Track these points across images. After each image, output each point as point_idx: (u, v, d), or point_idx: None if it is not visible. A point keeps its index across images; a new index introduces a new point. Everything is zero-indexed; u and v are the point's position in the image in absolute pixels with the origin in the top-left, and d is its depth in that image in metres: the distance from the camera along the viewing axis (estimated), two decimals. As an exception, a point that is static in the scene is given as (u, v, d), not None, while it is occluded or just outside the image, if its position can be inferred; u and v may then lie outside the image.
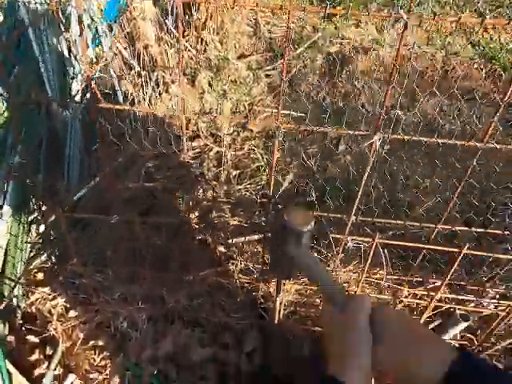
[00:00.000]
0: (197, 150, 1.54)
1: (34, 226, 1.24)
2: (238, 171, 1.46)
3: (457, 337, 0.92)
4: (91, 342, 1.05)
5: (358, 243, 0.75)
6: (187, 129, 1.62)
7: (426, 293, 0.81)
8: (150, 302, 1.02)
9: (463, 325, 0.85)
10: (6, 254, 1.06)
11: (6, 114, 1.10)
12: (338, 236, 0.75)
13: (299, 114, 1.81)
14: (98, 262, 1.04)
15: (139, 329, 1.04)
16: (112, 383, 0.99)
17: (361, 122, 1.84)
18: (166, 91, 1.59)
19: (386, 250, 0.77)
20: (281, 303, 0.95)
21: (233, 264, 1.00)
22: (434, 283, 0.83)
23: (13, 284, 1.02)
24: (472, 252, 0.64)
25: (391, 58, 2.23)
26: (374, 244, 0.70)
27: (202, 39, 1.84)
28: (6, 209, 1.04)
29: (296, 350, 1.03)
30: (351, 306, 0.51)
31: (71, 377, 1.01)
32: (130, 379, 1.00)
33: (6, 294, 1.02)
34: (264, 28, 2.35)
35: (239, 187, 1.41)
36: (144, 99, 1.44)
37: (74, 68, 1.09)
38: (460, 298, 0.83)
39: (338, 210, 0.87)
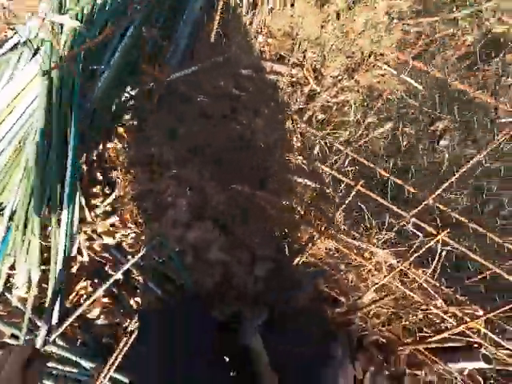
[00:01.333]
0: (293, 79, 1.46)
1: (128, 87, 1.36)
2: (324, 116, 1.37)
3: (464, 372, 0.85)
4: (138, 201, 1.19)
5: (419, 229, 0.68)
6: (293, 54, 1.52)
7: (459, 314, 0.73)
8: (195, 192, 1.10)
9: (481, 365, 0.77)
10: (102, 97, 1.18)
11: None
12: (400, 212, 0.68)
13: (417, 86, 1.56)
14: (169, 135, 1.12)
15: (177, 210, 1.14)
16: (141, 238, 1.15)
17: (481, 126, 1.54)
18: (292, 4, 1.47)
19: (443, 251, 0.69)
20: (307, 250, 0.94)
21: (280, 196, 1.00)
22: (475, 311, 0.74)
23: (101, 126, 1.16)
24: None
25: None
26: (438, 239, 0.63)
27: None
28: (116, 58, 1.13)
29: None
30: None
31: (114, 217, 1.18)
32: (156, 244, 1.14)
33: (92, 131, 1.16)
34: (428, -26, 1.94)
35: (311, 129, 1.32)
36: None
37: None
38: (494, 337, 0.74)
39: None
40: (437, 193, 0.58)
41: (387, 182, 0.98)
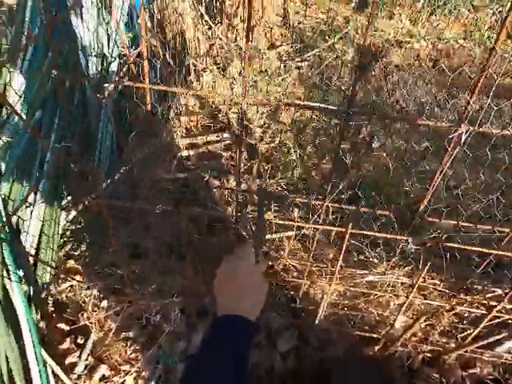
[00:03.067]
0: (227, 142, 1.50)
1: (63, 213, 1.23)
2: (270, 165, 1.42)
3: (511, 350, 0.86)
4: (123, 334, 1.03)
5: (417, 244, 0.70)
6: (217, 119, 1.57)
7: (485, 302, 0.76)
8: (184, 295, 0.99)
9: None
10: (39, 239, 1.04)
11: (41, 94, 1.07)
12: (396, 237, 0.69)
13: (331, 107, 1.74)
14: (132, 253, 1.02)
15: (172, 322, 1.01)
16: (144, 375, 0.97)
17: (395, 118, 1.76)
18: (198, 80, 1.55)
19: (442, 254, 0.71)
20: (324, 304, 0.90)
21: (273, 261, 0.96)
22: (494, 292, 0.77)
23: (47, 269, 1.00)
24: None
25: (427, 51, 2.14)
26: (439, 247, 0.65)
27: (233, 27, 1.78)
28: (40, 194, 1.02)
29: (333, 351, 0.99)
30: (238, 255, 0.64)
31: (103, 367, 0.99)
32: (162, 372, 0.97)
33: (39, 279, 1.00)
34: (293, 18, 2.27)
35: (271, 181, 1.36)
36: (176, 87, 1.40)
37: (111, 51, 1.05)
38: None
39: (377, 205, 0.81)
40: (422, 206, 0.60)
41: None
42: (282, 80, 1.77)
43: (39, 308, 1.01)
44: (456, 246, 0.66)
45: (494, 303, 0.76)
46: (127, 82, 0.58)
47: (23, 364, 0.88)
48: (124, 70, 1.05)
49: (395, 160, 1.50)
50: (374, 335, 0.92)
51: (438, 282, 0.78)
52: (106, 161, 1.26)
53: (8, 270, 0.89)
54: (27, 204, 0.95)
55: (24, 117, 0.99)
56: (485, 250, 0.67)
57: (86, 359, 1.00)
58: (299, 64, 1.97)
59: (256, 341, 1.03)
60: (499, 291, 0.76)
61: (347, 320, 0.95)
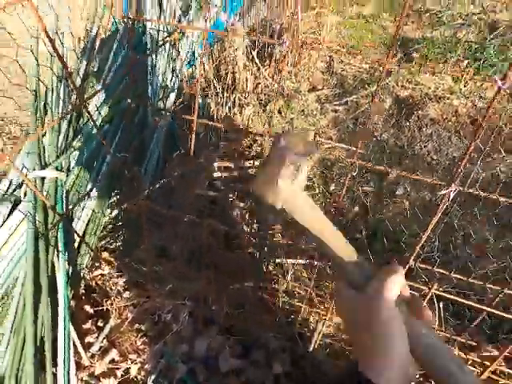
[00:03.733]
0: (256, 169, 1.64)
1: (108, 210, 1.43)
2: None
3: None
4: (136, 325, 1.15)
5: (412, 288, 0.75)
6: (252, 148, 1.74)
7: (478, 360, 0.76)
8: (195, 301, 1.10)
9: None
10: (86, 226, 1.22)
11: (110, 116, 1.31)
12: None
13: (359, 151, 1.84)
14: (158, 255, 1.16)
15: (180, 323, 1.11)
16: (147, 367, 1.07)
17: (424, 170, 1.80)
18: (240, 112, 1.75)
19: (441, 304, 0.75)
20: (318, 333, 0.96)
21: (278, 283, 1.04)
22: (490, 352, 0.77)
23: (87, 255, 1.17)
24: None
25: (465, 108, 2.17)
26: (430, 294, 0.70)
27: (279, 70, 2.00)
28: (95, 189, 1.22)
29: (323, 381, 1.01)
30: (374, 285, 0.39)
31: (114, 352, 1.11)
32: (163, 368, 1.06)
33: (78, 262, 1.17)
34: (337, 65, 2.46)
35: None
36: (221, 117, 1.60)
37: (173, 84, 1.27)
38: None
39: (393, 253, 0.87)
40: (414, 254, 0.67)
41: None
42: (317, 120, 1.91)
43: (73, 288, 1.18)
44: (447, 296, 0.71)
45: (487, 363, 0.78)
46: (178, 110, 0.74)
47: (53, 334, 1.03)
48: (180, 100, 1.26)
49: (417, 209, 1.53)
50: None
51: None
52: (151, 172, 1.46)
53: (58, 250, 1.07)
54: (85, 195, 1.14)
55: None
56: (476, 306, 0.71)
57: (102, 341, 1.12)
58: (336, 107, 2.11)
59: (254, 358, 1.09)
60: (495, 352, 0.76)
61: (342, 353, 0.98)
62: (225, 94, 1.59)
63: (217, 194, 1.39)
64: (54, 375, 0.98)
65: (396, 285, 0.39)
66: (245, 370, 1.06)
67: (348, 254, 0.44)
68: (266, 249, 1.13)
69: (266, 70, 1.97)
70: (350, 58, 2.53)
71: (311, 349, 0.96)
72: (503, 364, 0.82)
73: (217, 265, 1.07)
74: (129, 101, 1.01)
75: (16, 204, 1.20)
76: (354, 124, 2.06)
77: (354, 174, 1.71)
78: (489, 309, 0.71)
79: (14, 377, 0.92)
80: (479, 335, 0.81)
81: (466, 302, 0.71)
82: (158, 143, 1.37)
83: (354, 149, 0.71)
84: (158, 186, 1.27)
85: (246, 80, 1.79)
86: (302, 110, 1.95)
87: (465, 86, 2.41)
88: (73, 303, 1.20)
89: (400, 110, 2.18)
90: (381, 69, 2.53)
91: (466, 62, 2.53)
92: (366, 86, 2.31)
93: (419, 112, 2.15)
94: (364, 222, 1.42)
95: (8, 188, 1.25)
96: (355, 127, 2.05)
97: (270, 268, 1.10)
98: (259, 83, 1.90)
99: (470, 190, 0.63)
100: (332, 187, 1.63)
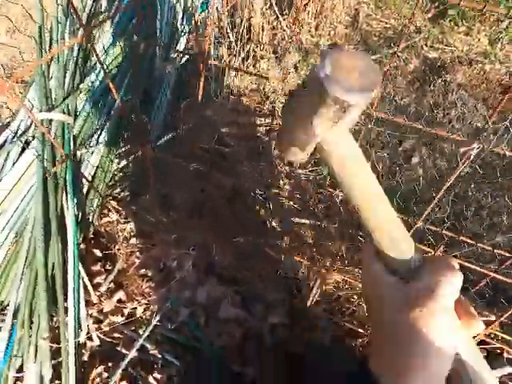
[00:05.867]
0: (268, 128, 1.59)
1: (116, 160, 1.42)
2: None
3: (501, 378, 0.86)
4: (142, 270, 1.19)
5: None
6: (264, 105, 1.67)
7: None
8: (199, 251, 1.12)
9: (508, 370, 0.80)
10: (95, 171, 1.23)
11: (119, 59, 1.25)
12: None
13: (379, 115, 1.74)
14: (164, 203, 1.16)
15: (184, 271, 1.15)
16: (152, 308, 1.13)
17: (443, 140, 1.71)
18: (254, 65, 1.65)
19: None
20: (317, 288, 0.97)
21: (282, 239, 1.04)
22: (487, 316, 0.78)
23: (96, 199, 1.19)
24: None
25: (498, 75, 2.00)
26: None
27: (298, 21, 1.84)
28: (104, 134, 1.20)
29: (319, 337, 1.05)
30: (428, 278, 0.31)
31: (121, 293, 1.16)
32: (167, 311, 1.12)
33: (88, 206, 1.19)
34: (363, 20, 2.26)
35: (300, 171, 1.43)
36: (233, 68, 1.51)
37: (184, 28, 1.19)
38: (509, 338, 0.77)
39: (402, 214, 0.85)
40: (424, 215, 0.64)
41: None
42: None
43: (82, 231, 1.21)
44: (459, 262, 0.69)
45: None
46: (189, 54, 0.69)
47: (63, 272, 1.08)
48: (190, 44, 1.18)
49: (431, 178, 1.48)
50: (360, 330, 0.97)
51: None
52: (159, 121, 1.42)
53: (67, 192, 1.09)
54: (93, 140, 1.13)
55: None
56: (479, 269, 0.69)
57: (110, 283, 1.18)
58: (357, 67, 1.97)
59: (252, 309, 1.13)
60: (493, 317, 0.76)
61: (338, 310, 1.01)
62: (238, 43, 1.49)
63: (225, 150, 1.36)
64: (66, 309, 1.04)
65: (455, 286, 0.30)
66: (243, 319, 1.11)
67: (401, 248, 0.32)
68: (271, 206, 1.12)
69: (284, 19, 1.82)
70: (377, 12, 2.31)
71: (309, 304, 0.98)
72: (498, 329, 0.82)
73: (221, 217, 1.08)
74: (135, 38, 0.95)
75: (26, 146, 1.20)
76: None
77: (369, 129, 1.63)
78: (492, 273, 0.69)
79: (28, 306, 0.99)
80: (478, 301, 0.81)
81: (472, 266, 0.69)
82: (167, 92, 1.32)
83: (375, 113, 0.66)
84: (165, 136, 1.25)
85: (263, 30, 1.66)
86: (320, 67, 1.82)
87: (501, 50, 2.20)
88: (83, 246, 1.24)
89: (426, 73, 2.03)
90: (410, 26, 2.32)
91: (506, 22, 2.28)
92: (392, 44, 2.13)
93: (446, 76, 2.00)
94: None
95: (17, 129, 1.24)
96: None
97: (274, 224, 1.10)
98: (276, 34, 1.76)
99: (494, 149, 0.58)
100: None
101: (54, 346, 0.99)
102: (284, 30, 1.87)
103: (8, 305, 1.01)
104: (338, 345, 1.03)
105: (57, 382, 0.96)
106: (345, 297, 0.98)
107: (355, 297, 0.94)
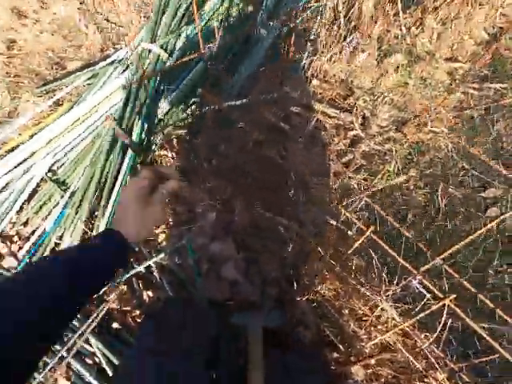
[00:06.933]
0: (339, 123, 1.52)
1: (189, 110, 1.55)
2: (364, 162, 1.39)
3: None
4: (172, 205, 1.32)
5: (428, 289, 0.65)
6: (345, 100, 1.59)
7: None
8: (224, 206, 1.18)
9: None
10: (167, 112, 1.37)
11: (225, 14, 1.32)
12: (409, 267, 0.67)
13: (471, 150, 1.51)
14: (213, 151, 1.24)
15: (207, 221, 1.23)
16: (169, 239, 1.25)
17: None
18: (350, 54, 1.57)
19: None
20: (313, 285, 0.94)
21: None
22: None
23: (160, 133, 1.34)
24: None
25: None
26: (443, 304, 0.60)
27: (421, 23, 1.66)
28: (186, 80, 1.32)
29: (301, 335, 1.03)
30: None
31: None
32: (181, 247, 1.23)
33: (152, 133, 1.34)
34: (506, 41, 1.91)
35: (353, 176, 1.35)
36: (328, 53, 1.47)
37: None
38: None
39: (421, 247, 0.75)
40: (446, 253, 0.57)
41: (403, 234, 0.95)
42: (437, 95, 1.60)
43: (141, 154, 1.38)
44: (459, 311, 0.60)
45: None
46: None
47: (113, 180, 1.26)
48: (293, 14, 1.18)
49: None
50: (340, 345, 0.92)
51: (425, 342, 0.71)
52: (241, 80, 1.48)
53: (140, 117, 1.24)
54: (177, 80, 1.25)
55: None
56: (489, 340, 0.59)
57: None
58: (471, 91, 1.71)
59: (252, 278, 1.16)
60: None
61: (326, 317, 0.97)
62: (342, 28, 1.43)
63: (286, 128, 1.36)
64: (104, 209, 1.22)
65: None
66: (240, 284, 1.15)
67: None
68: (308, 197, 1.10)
69: (405, 18, 1.67)
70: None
71: (299, 298, 0.97)
72: None
73: (257, 187, 1.11)
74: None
75: (125, 70, 1.40)
76: (482, 119, 1.66)
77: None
78: (499, 348, 0.59)
79: (81, 194, 1.19)
80: (480, 376, 0.68)
81: (475, 326, 0.60)
82: (259, 53, 1.36)
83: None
84: (238, 100, 1.30)
85: (376, 22, 1.56)
86: (424, 79, 1.64)
87: None
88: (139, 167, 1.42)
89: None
90: None
91: None
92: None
93: None
94: (425, 224, 1.24)
95: (125, 55, 1.45)
96: (480, 123, 1.65)
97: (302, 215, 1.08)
98: (389, 31, 1.63)
99: None
100: (411, 173, 1.42)
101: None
102: (401, 30, 1.72)
103: (69, 187, 1.23)
104: (316, 350, 1.00)
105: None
106: (338, 307, 0.94)
107: (346, 311, 0.89)
